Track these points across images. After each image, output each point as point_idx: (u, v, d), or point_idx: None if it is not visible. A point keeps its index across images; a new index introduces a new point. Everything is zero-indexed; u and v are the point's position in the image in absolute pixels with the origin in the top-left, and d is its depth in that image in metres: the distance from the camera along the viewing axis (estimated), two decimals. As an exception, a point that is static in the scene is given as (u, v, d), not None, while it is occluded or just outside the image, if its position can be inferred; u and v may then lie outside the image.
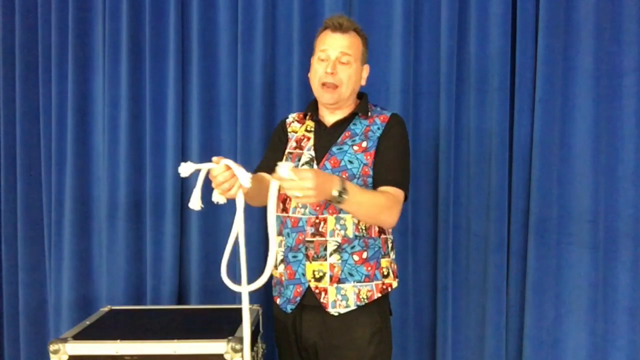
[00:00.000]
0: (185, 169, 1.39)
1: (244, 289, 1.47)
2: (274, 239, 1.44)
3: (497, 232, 2.27)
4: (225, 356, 1.63)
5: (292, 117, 1.89)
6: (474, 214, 2.31)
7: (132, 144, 2.43)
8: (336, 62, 1.69)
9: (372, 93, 2.27)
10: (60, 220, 2.48)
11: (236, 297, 2.38)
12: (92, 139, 2.50)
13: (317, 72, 1.71)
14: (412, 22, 2.29)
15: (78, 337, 1.74)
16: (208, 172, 1.42)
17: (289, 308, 1.73)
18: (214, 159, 1.41)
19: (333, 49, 1.69)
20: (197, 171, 1.41)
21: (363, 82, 1.79)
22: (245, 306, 1.49)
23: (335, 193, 1.44)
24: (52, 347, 1.65)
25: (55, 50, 2.47)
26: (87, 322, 1.90)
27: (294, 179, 1.35)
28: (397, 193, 1.65)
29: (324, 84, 1.70)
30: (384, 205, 1.59)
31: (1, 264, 2.60)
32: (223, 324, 1.83)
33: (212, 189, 1.43)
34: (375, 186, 1.67)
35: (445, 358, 2.31)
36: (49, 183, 2.52)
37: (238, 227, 1.43)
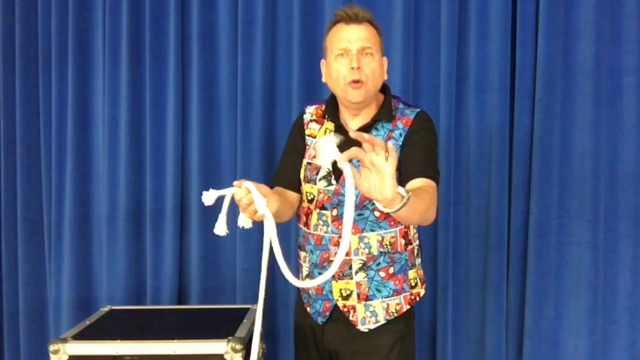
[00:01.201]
0: (208, 197, 1.34)
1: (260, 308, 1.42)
2: (348, 230, 1.11)
3: (497, 232, 2.27)
4: (225, 356, 1.63)
5: (309, 112, 1.71)
6: (474, 214, 2.31)
7: (132, 144, 2.43)
8: (359, 56, 1.51)
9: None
10: (60, 220, 2.48)
11: (236, 297, 2.39)
12: (92, 139, 2.49)
13: (340, 72, 1.53)
14: (412, 22, 2.29)
15: (78, 337, 1.74)
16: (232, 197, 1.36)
17: (320, 320, 1.68)
18: (235, 183, 1.34)
19: (352, 43, 1.51)
20: (221, 197, 1.36)
21: (385, 76, 1.62)
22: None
23: (404, 194, 1.19)
24: (52, 347, 1.65)
25: (55, 50, 2.47)
26: (87, 322, 1.90)
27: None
28: (432, 185, 1.49)
29: (350, 82, 1.52)
30: (430, 202, 1.42)
31: (1, 263, 2.60)
32: (223, 324, 1.83)
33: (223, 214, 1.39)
34: (404, 181, 1.49)
35: (445, 358, 2.31)
36: (49, 183, 2.51)
37: (272, 245, 1.33)
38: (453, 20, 2.26)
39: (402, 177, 1.52)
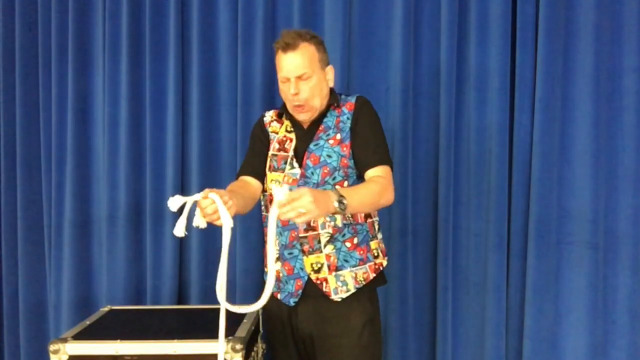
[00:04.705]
0: (174, 203, 1.44)
1: (222, 305, 1.48)
2: (272, 265, 1.48)
3: (497, 232, 2.27)
4: (225, 356, 1.63)
5: (269, 115, 1.90)
6: (474, 214, 2.31)
7: (132, 144, 2.43)
8: (297, 82, 1.70)
9: (372, 93, 2.28)
10: (60, 220, 2.48)
11: (236, 297, 2.39)
12: (92, 138, 2.49)
13: (285, 93, 1.74)
14: (412, 22, 2.29)
15: (78, 337, 1.74)
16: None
17: (292, 301, 1.78)
18: (203, 193, 1.44)
19: (290, 72, 1.70)
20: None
21: (331, 84, 1.79)
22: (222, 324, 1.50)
23: (336, 204, 1.47)
24: (52, 347, 1.65)
25: (55, 50, 2.47)
26: (87, 322, 1.91)
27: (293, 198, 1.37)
28: (386, 171, 1.71)
29: (293, 107, 1.73)
30: (379, 192, 1.64)
31: (1, 264, 2.60)
32: (223, 324, 1.83)
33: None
34: (361, 170, 1.73)
35: (445, 358, 2.31)
36: (49, 183, 2.52)
37: (224, 255, 1.45)
38: (453, 21, 2.26)
39: (359, 166, 1.73)
